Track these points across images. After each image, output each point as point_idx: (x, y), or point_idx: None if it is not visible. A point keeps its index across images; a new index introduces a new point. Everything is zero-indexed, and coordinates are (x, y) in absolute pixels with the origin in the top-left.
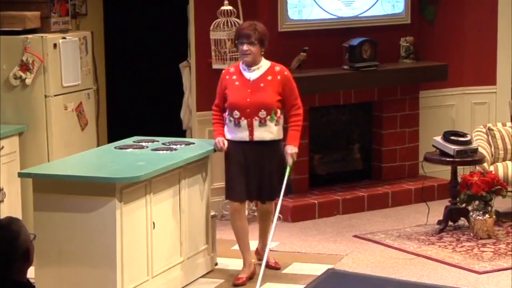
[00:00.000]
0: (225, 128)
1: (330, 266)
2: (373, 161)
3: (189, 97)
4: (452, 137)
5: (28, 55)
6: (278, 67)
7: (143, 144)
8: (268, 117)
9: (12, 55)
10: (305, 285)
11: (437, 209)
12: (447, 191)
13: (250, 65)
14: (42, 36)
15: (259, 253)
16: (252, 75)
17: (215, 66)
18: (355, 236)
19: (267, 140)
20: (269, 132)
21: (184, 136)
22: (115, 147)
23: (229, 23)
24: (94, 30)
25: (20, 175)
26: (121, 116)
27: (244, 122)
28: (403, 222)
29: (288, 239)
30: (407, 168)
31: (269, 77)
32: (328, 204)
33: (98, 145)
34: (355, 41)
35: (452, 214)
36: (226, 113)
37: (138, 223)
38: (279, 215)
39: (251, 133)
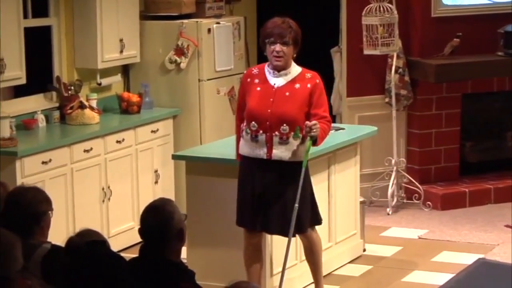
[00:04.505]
0: (241, 141)
1: (480, 256)
2: None
3: (340, 83)
4: None
5: (183, 39)
6: (309, 74)
7: None
8: (292, 133)
9: (168, 39)
10: (454, 274)
11: None
12: None
13: (279, 69)
14: (197, 21)
15: None
16: (277, 81)
17: (366, 52)
18: (507, 226)
19: (286, 160)
20: (290, 151)
21: (334, 122)
22: None
23: (382, 8)
24: (247, 15)
25: (174, 157)
26: None
27: (262, 137)
28: None
29: (438, 227)
30: None
31: (297, 85)
32: (479, 193)
33: None
34: (511, 27)
35: None
36: (244, 124)
37: None
38: (428, 202)
39: (269, 150)
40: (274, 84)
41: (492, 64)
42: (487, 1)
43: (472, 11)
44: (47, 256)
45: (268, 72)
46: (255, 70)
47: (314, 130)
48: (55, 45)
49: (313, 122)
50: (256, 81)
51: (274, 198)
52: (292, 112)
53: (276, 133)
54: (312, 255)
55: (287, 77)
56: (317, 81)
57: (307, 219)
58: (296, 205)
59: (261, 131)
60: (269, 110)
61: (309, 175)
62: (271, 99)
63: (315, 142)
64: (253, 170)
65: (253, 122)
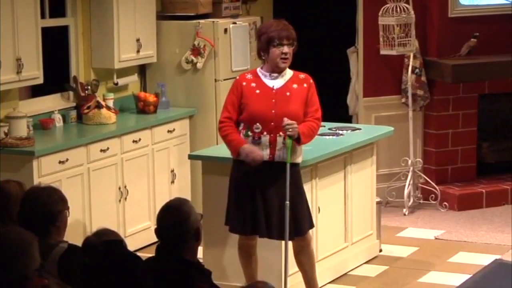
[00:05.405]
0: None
1: (497, 257)
2: None
3: (356, 83)
4: None
5: (200, 39)
6: (302, 75)
7: None
8: None
9: (184, 39)
10: (471, 275)
11: None
12: None
13: (281, 71)
14: (213, 21)
15: None
16: (275, 82)
17: (383, 52)
18: None
19: (286, 161)
20: (292, 151)
21: (350, 122)
22: None
23: (398, 8)
24: (263, 15)
25: (190, 157)
26: None
27: (266, 138)
28: None
29: (454, 228)
30: None
31: (295, 85)
32: (496, 194)
33: None
34: None
35: None
36: (241, 127)
37: None
38: (445, 203)
39: (272, 151)
40: (273, 86)
41: (509, 64)
42: (504, 1)
43: (489, 11)
44: (64, 255)
45: (264, 75)
46: (248, 75)
47: (290, 130)
48: (72, 45)
49: (289, 122)
50: (253, 84)
51: (275, 201)
52: (295, 111)
53: (281, 133)
54: (309, 255)
55: (283, 78)
56: (311, 81)
57: (306, 221)
58: (287, 202)
59: (265, 133)
60: (273, 111)
61: (301, 177)
62: (273, 100)
63: (298, 140)
64: (252, 174)
65: (257, 124)
